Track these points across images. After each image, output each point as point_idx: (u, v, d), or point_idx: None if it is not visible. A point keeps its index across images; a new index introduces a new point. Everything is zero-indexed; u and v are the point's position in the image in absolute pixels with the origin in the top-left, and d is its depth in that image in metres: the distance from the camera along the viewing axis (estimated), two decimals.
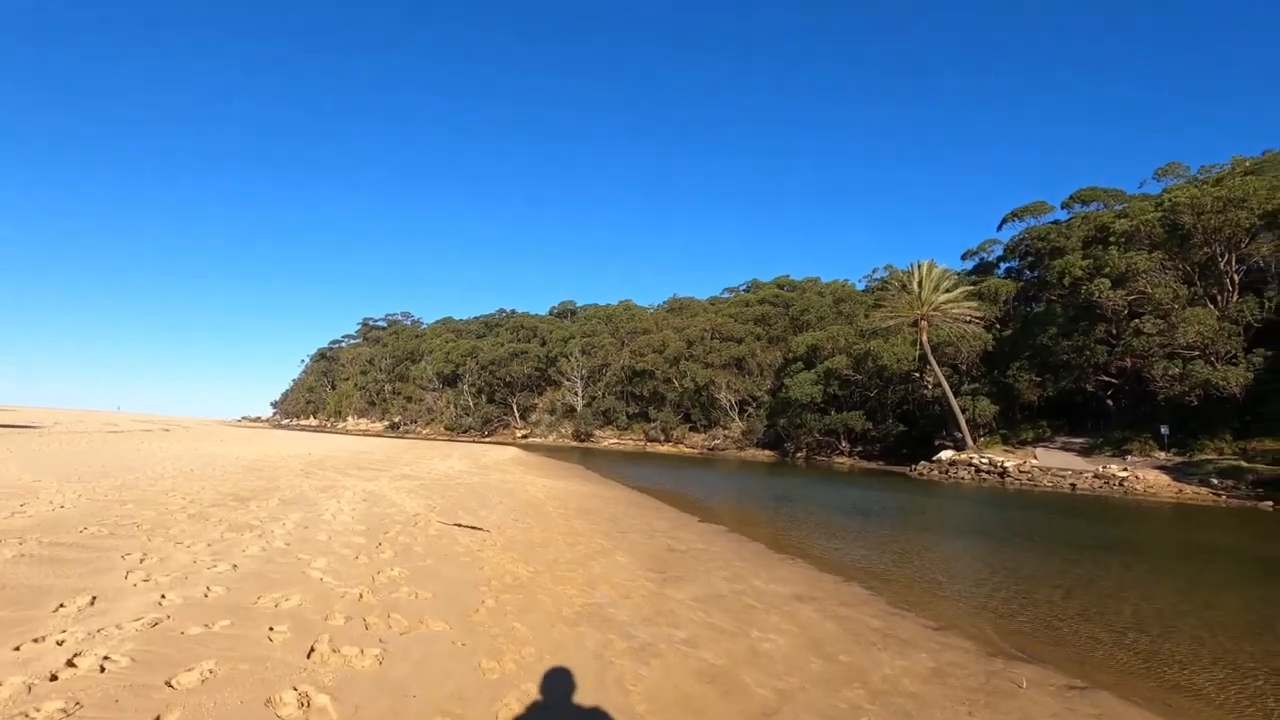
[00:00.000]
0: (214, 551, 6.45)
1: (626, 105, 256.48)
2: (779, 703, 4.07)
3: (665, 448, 63.06)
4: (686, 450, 61.30)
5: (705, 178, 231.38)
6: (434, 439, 70.47)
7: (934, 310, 41.46)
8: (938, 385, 40.81)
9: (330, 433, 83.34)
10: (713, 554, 9.96)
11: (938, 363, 40.72)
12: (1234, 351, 31.44)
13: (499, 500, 14.34)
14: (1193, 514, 23.66)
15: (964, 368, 44.09)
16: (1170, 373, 32.11)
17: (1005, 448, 38.43)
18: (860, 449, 48.82)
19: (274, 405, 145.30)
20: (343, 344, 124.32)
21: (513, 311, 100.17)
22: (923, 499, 25.42)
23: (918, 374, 44.59)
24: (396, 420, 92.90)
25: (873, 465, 44.79)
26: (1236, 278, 33.83)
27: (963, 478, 35.16)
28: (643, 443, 65.99)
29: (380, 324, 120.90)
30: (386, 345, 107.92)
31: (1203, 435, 31.64)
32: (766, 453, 54.88)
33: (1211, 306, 33.10)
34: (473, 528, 10.49)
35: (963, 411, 39.46)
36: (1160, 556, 13.33)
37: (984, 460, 35.55)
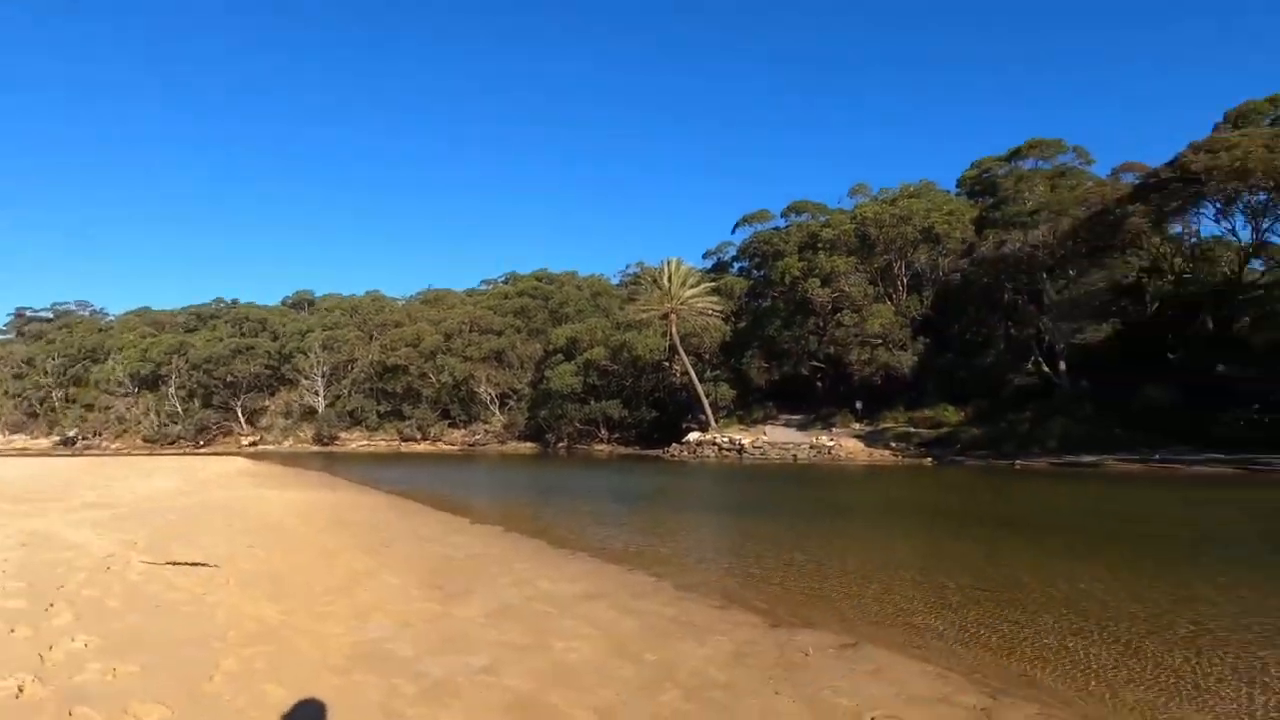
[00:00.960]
0: None
1: (372, 84, 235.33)
2: None
3: (423, 446, 59.57)
4: (446, 448, 58.61)
5: (457, 167, 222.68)
6: (130, 454, 57.84)
7: (681, 304, 44.85)
8: (685, 373, 44.29)
9: None
10: (493, 558, 9.38)
11: (685, 352, 44.18)
12: (904, 340, 38.91)
13: (227, 524, 11.99)
14: (881, 472, 28.79)
15: (707, 356, 48.49)
16: (862, 357, 38.71)
17: (741, 426, 43.10)
18: (618, 435, 51.11)
19: None
20: None
21: (234, 302, 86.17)
22: (677, 479, 27.32)
23: (668, 363, 47.96)
24: (72, 434, 74.28)
25: (630, 450, 47.16)
26: (905, 280, 41.90)
27: (708, 456, 38.65)
28: (397, 443, 61.55)
29: (43, 315, 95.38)
30: (54, 341, 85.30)
31: (885, 408, 38.71)
32: (529, 445, 54.77)
33: (889, 303, 40.58)
34: (195, 564, 8.53)
35: (706, 396, 43.35)
36: (872, 513, 15.87)
37: (725, 439, 39.50)
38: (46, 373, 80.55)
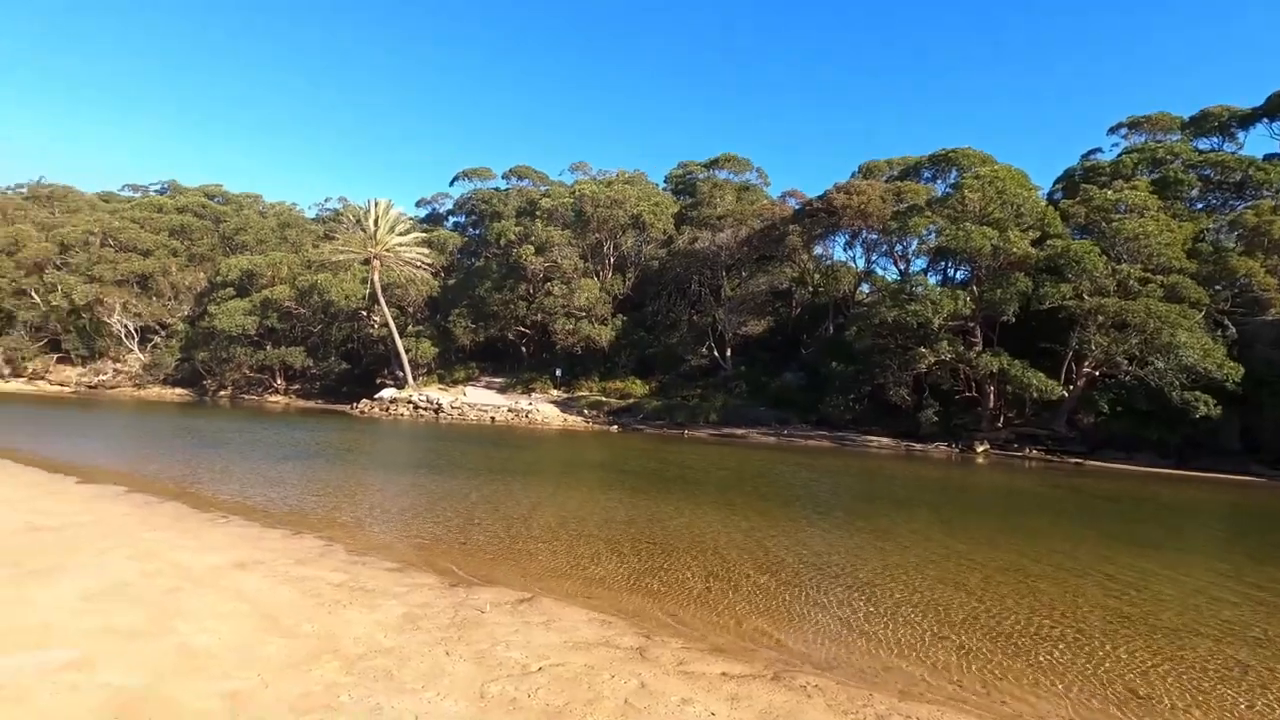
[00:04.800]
0: None
1: None
2: (234, 712, 3.21)
3: (13, 385, 45.80)
4: (52, 387, 45.95)
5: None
6: None
7: (387, 251, 41.55)
8: (385, 325, 41.32)
9: None
10: (106, 526, 7.53)
11: (386, 303, 41.14)
12: (606, 316, 41.58)
13: None
14: (573, 436, 30.48)
15: (411, 310, 45.83)
16: (567, 327, 40.36)
17: (441, 386, 41.82)
18: (298, 387, 45.68)
19: None
20: None
21: None
22: (366, 437, 25.43)
23: (365, 312, 44.16)
24: None
25: (311, 404, 42.55)
26: (612, 259, 44.68)
27: (403, 414, 36.75)
28: None
29: None
30: None
31: (582, 377, 41.02)
32: (179, 391, 45.84)
33: (596, 279, 42.91)
34: None
35: (406, 352, 41.06)
36: (561, 474, 16.66)
37: (422, 398, 37.94)
38: None
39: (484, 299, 43.00)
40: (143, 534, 7.27)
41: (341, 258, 42.52)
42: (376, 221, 41.12)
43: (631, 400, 37.40)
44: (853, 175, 41.60)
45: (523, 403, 37.65)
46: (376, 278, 40.60)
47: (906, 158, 41.14)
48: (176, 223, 53.61)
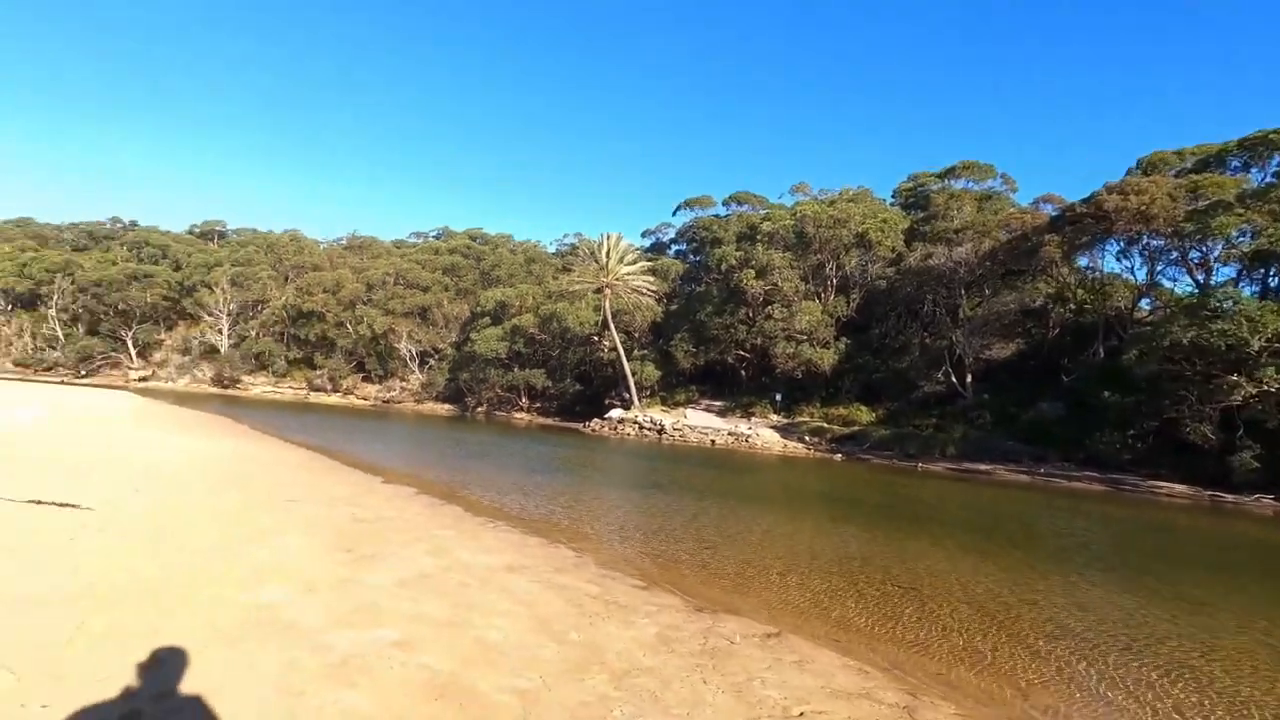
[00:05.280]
0: None
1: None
2: (525, 710, 3.53)
3: (333, 398, 56.93)
4: (358, 402, 56.26)
5: (397, 112, 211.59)
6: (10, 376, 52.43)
7: (617, 280, 44.48)
8: (614, 349, 44.09)
9: None
10: (407, 522, 8.91)
11: (616, 329, 43.94)
12: (828, 339, 40.08)
13: (109, 465, 10.91)
14: (794, 463, 29.63)
15: (637, 335, 48.43)
16: (787, 351, 39.61)
17: (663, 408, 43.42)
18: (539, 406, 50.49)
19: None
20: None
21: (133, 224, 79.18)
22: (599, 453, 27.21)
23: (597, 337, 47.60)
24: None
25: (550, 421, 46.69)
26: (834, 280, 43.08)
27: (629, 434, 38.74)
28: (305, 392, 58.54)
29: None
30: None
31: (803, 402, 39.87)
32: (446, 407, 53.33)
33: (818, 301, 41.65)
34: (64, 505, 7.66)
35: (633, 374, 43.37)
36: (790, 503, 16.24)
37: (647, 419, 39.68)
38: None
39: (704, 323, 43.96)
40: (434, 531, 8.46)
41: (577, 288, 46.45)
42: (608, 253, 44.29)
43: (856, 428, 35.43)
44: (1129, 172, 35.51)
45: (742, 426, 37.61)
46: (607, 305, 43.63)
47: (1203, 146, 34.13)
48: (447, 262, 63.00)
